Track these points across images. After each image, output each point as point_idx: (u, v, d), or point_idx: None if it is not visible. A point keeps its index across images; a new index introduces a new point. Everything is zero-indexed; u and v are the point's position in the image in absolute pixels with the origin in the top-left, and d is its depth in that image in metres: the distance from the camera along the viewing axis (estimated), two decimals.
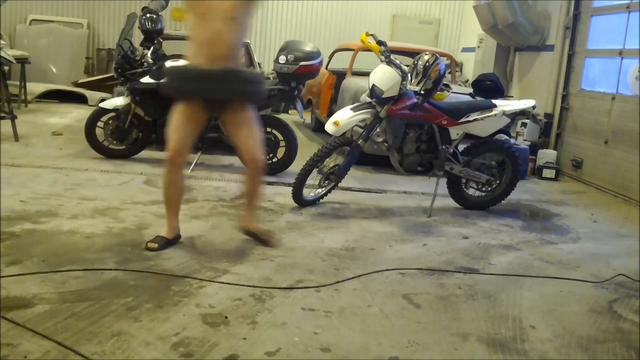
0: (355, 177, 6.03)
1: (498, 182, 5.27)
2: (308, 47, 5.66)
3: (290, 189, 4.86)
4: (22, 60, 9.25)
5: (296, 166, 5.26)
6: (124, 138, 6.03)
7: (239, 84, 3.56)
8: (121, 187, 5.01)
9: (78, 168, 5.52)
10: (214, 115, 3.88)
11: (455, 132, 5.01)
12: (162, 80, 4.76)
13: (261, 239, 3.84)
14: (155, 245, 3.56)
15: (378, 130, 4.85)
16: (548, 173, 7.19)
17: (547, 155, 7.38)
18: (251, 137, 3.65)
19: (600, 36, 7.29)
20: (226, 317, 2.77)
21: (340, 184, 5.09)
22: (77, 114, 9.01)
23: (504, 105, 5.10)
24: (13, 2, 11.68)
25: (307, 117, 9.71)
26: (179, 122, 3.53)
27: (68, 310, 2.70)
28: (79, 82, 10.96)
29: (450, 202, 5.30)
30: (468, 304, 3.21)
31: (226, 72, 3.49)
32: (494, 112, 4.99)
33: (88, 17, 12.29)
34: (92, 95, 10.33)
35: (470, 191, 5.29)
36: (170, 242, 3.65)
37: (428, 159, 5.02)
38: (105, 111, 5.99)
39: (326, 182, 4.96)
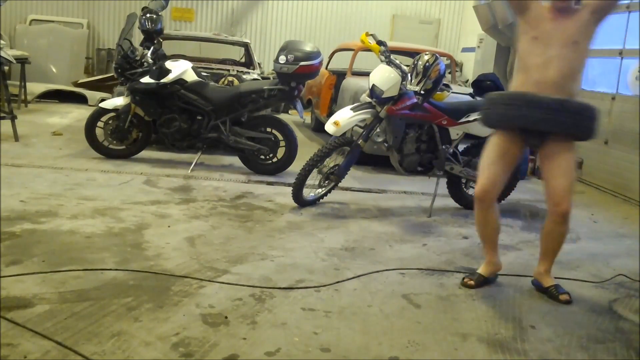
0: (355, 177, 6.03)
1: None
2: (308, 47, 5.66)
3: (290, 189, 4.86)
4: (22, 60, 9.25)
5: (296, 166, 5.25)
6: (124, 138, 6.03)
7: (565, 115, 3.18)
8: (121, 187, 5.01)
9: (78, 168, 5.52)
10: (529, 147, 3.54)
11: (455, 132, 5.01)
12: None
13: (552, 296, 3.39)
14: (472, 282, 3.41)
15: (378, 130, 4.85)
16: None
17: None
18: (562, 178, 3.24)
19: (600, 36, 7.26)
20: (226, 317, 2.77)
21: (340, 184, 5.09)
22: (77, 114, 9.02)
23: None
24: (13, 2, 11.69)
25: (307, 117, 9.72)
26: (492, 157, 3.33)
27: (68, 310, 2.70)
28: (79, 82, 10.96)
29: (450, 202, 5.30)
30: (468, 304, 3.21)
31: (553, 101, 3.16)
32: None
33: (88, 17, 12.30)
34: (92, 95, 10.34)
35: (470, 191, 5.28)
36: (487, 280, 3.47)
37: (428, 159, 5.02)
38: (105, 111, 5.99)
39: (326, 182, 4.96)
